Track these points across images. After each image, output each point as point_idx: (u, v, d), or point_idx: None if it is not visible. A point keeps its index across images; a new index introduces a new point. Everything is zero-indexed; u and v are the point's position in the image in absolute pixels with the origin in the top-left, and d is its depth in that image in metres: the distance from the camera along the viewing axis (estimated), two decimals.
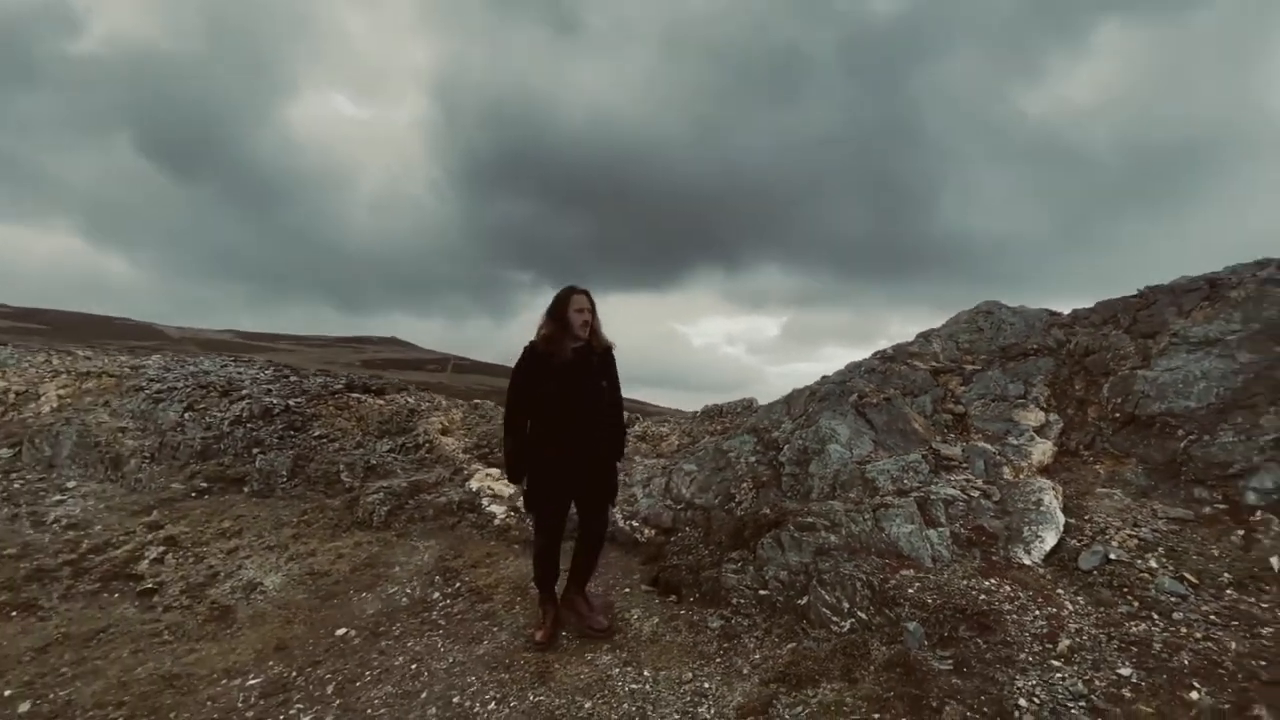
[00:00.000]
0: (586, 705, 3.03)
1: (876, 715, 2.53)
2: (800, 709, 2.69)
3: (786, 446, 4.70)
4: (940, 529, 3.49)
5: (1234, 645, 2.52)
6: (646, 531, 5.02)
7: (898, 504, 3.65)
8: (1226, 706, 2.25)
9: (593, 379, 3.41)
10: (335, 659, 3.64)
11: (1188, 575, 2.92)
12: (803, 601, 3.42)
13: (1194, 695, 2.30)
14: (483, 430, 7.10)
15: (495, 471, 6.16)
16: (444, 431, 6.48)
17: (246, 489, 5.62)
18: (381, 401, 7.05)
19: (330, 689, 3.36)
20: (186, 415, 6.20)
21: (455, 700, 3.18)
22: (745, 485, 4.69)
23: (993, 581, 3.12)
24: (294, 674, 3.54)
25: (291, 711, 3.22)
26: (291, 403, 6.54)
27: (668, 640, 3.61)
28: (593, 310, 3.42)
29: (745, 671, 3.12)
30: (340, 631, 3.93)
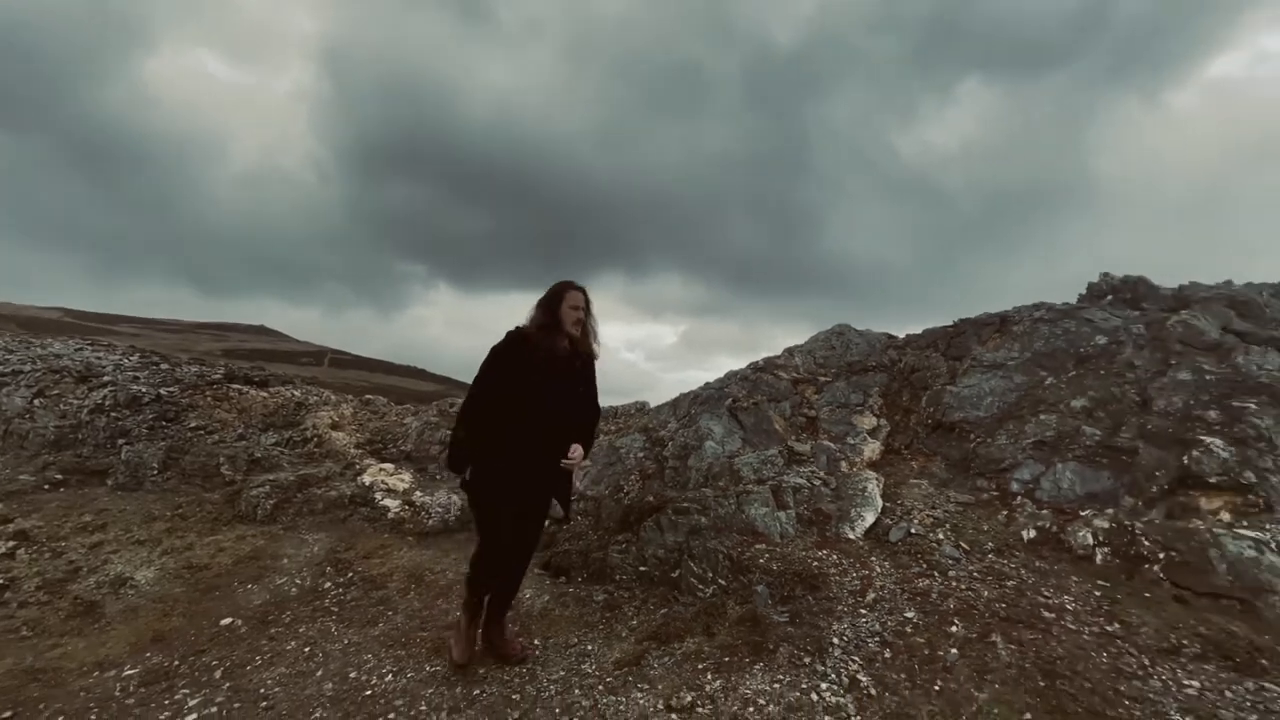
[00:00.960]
0: (481, 671, 3.34)
1: (727, 659, 3.09)
2: (667, 659, 3.20)
3: (670, 443, 5.27)
4: (788, 510, 4.19)
5: (986, 593, 3.36)
6: None
7: (757, 490, 4.31)
8: (974, 636, 3.04)
9: (573, 383, 3.12)
10: (221, 647, 3.66)
11: (963, 544, 3.79)
12: (675, 574, 3.96)
13: (953, 629, 3.07)
14: (375, 426, 7.09)
15: (389, 466, 6.23)
16: (334, 426, 6.43)
17: (110, 481, 5.28)
18: (265, 394, 6.82)
19: (219, 674, 3.40)
20: (36, 402, 5.68)
21: (352, 675, 3.36)
22: (633, 477, 5.20)
23: (825, 552, 3.83)
24: (176, 663, 3.53)
25: (177, 696, 3.24)
26: (163, 392, 6.18)
27: (556, 614, 4.01)
28: (587, 309, 3.14)
29: (624, 634, 3.59)
30: (226, 621, 3.93)
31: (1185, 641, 3.05)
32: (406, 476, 6.26)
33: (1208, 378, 4.33)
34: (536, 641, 3.65)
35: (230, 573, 4.53)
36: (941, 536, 3.87)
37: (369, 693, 3.15)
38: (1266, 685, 2.84)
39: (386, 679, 3.31)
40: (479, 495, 3.11)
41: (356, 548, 4.89)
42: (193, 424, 5.98)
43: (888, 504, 4.23)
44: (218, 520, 5.11)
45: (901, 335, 6.20)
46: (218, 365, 7.35)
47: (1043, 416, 4.51)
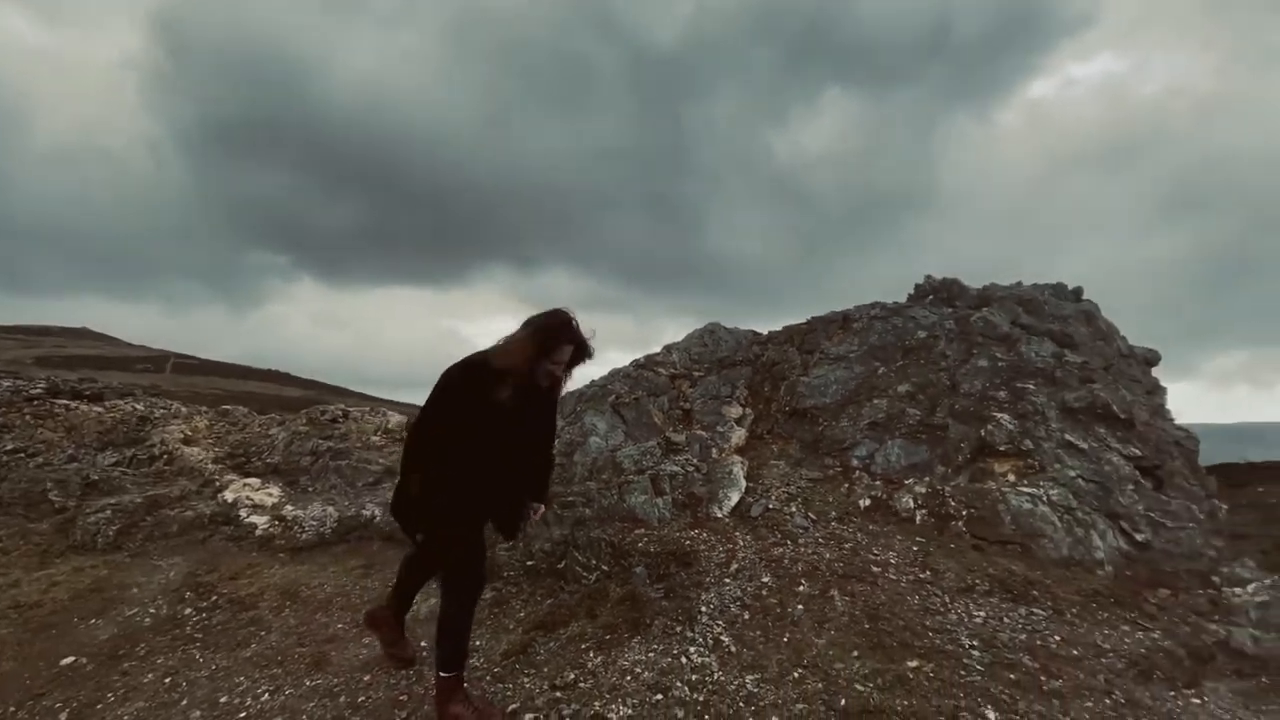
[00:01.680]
0: (366, 679, 3.35)
1: (608, 636, 3.36)
2: (553, 644, 3.41)
3: (557, 441, 5.45)
4: (665, 497, 4.54)
5: (828, 555, 3.91)
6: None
7: (637, 480, 4.63)
8: (816, 592, 3.54)
9: (534, 421, 2.76)
10: (65, 688, 3.36)
11: (811, 514, 4.35)
12: (561, 565, 4.17)
13: (800, 588, 3.56)
14: (236, 439, 6.60)
15: (255, 481, 5.87)
16: (188, 441, 5.93)
17: None
18: (100, 409, 6.12)
19: (64, 717, 3.14)
20: None
21: (223, 700, 3.23)
22: None
23: (697, 531, 4.23)
24: (11, 709, 3.20)
25: None
26: None
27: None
28: (570, 367, 2.69)
29: (511, 627, 3.74)
30: (67, 660, 3.59)
31: (978, 581, 3.76)
32: (275, 490, 5.93)
33: (999, 364, 5.26)
34: (424, 643, 3.70)
35: (68, 609, 4.11)
36: (794, 509, 4.41)
37: (243, 715, 3.07)
38: (1035, 610, 3.60)
39: (263, 699, 3.23)
40: (408, 526, 2.74)
41: (220, 569, 4.60)
42: (9, 446, 5.26)
43: (751, 484, 4.72)
44: (48, 552, 4.58)
45: (765, 331, 6.83)
46: (36, 379, 6.46)
47: (876, 401, 5.24)
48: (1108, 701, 2.77)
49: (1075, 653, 3.13)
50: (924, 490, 4.55)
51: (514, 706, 2.81)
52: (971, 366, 5.29)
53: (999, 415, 4.86)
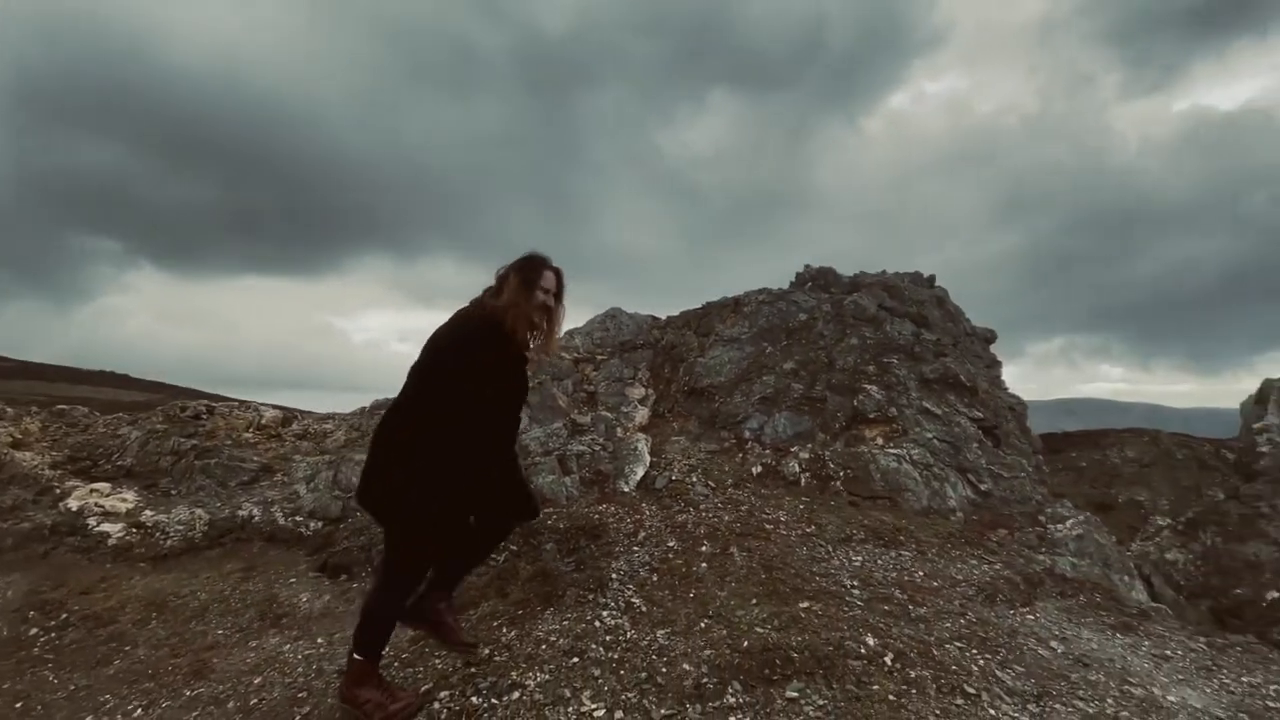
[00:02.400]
0: (257, 681, 3.14)
1: (520, 611, 3.39)
2: (465, 625, 3.38)
3: None
4: (572, 475, 4.62)
5: (727, 518, 4.19)
6: (312, 524, 5.04)
7: (544, 461, 4.66)
8: (718, 551, 3.79)
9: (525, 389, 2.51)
10: None
11: (710, 482, 4.62)
12: None
13: (703, 549, 3.79)
14: (77, 441, 5.82)
15: (104, 486, 5.21)
16: (17, 445, 5.14)
17: None
18: None
19: None
20: None
21: None
22: None
23: (604, 506, 4.35)
24: None
25: None
26: None
27: (340, 611, 3.90)
28: (559, 297, 2.46)
29: None
30: None
31: (855, 531, 4.20)
32: (129, 495, 5.30)
33: (868, 342, 5.86)
34: (320, 640, 3.53)
35: None
36: (695, 479, 4.66)
37: None
38: (902, 552, 4.09)
39: (135, 715, 2.94)
40: (430, 534, 2.37)
41: (69, 584, 4.08)
42: None
43: (654, 459, 4.92)
44: None
45: (664, 316, 7.08)
46: None
47: (764, 378, 5.64)
48: (962, 621, 3.24)
49: (935, 584, 3.62)
50: (807, 456, 4.99)
51: (427, 686, 2.77)
52: (845, 345, 5.84)
53: (869, 387, 5.43)
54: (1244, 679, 3.12)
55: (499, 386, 2.29)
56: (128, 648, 3.54)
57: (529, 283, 2.34)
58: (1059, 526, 4.63)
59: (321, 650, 3.39)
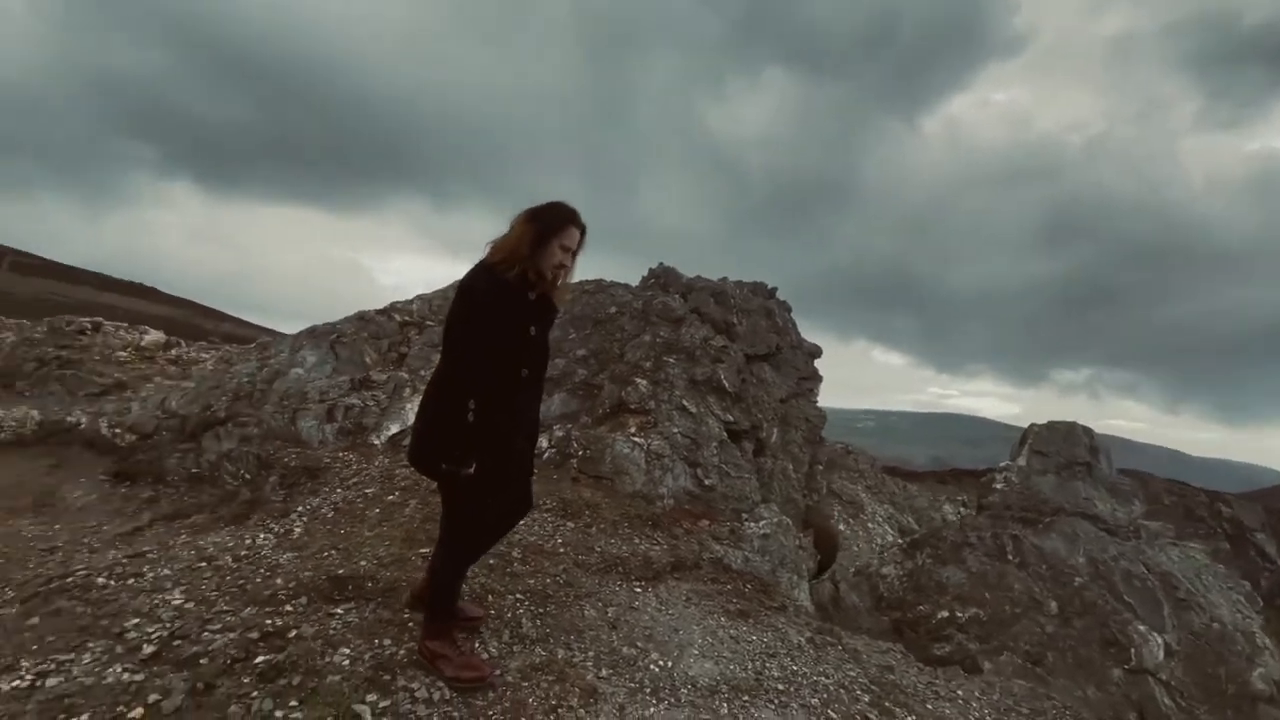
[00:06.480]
0: None
1: (209, 525, 4.12)
2: (161, 530, 4.13)
3: (265, 369, 6.04)
4: (335, 424, 5.32)
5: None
6: (127, 436, 5.81)
7: (314, 408, 5.36)
8: (398, 501, 4.46)
9: (547, 333, 2.59)
10: None
11: None
12: (217, 474, 4.86)
13: (391, 498, 4.47)
14: None
15: None
16: None
17: None
18: None
19: None
20: None
21: None
22: (225, 399, 5.88)
23: (345, 453, 5.05)
24: None
25: None
26: None
27: (95, 508, 4.67)
28: (575, 255, 2.45)
29: (144, 518, 4.42)
30: None
31: (546, 501, 4.85)
32: None
33: (659, 341, 6.41)
34: (58, 526, 4.29)
35: None
36: None
37: None
38: (574, 523, 4.71)
39: None
40: (487, 483, 2.37)
41: None
42: None
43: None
44: None
45: None
46: None
47: (556, 360, 6.24)
48: (563, 580, 3.89)
49: (563, 551, 4.27)
50: (561, 434, 5.62)
51: (80, 569, 3.50)
52: (639, 340, 6.40)
53: (639, 381, 6.01)
54: (790, 665, 3.60)
55: (493, 343, 2.25)
56: None
57: (543, 237, 2.29)
58: (754, 525, 5.25)
59: (49, 534, 4.16)
